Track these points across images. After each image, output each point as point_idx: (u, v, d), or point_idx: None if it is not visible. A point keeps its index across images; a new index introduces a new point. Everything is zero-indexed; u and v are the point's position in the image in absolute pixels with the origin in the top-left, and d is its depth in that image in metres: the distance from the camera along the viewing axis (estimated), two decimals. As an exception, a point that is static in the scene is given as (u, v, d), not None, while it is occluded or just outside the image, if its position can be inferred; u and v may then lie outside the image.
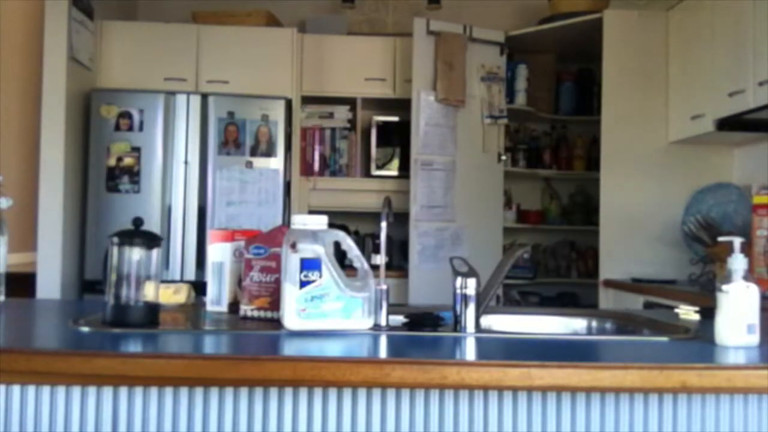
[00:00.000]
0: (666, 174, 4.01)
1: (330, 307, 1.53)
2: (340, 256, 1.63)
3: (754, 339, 1.42)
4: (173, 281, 2.70)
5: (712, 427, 1.39)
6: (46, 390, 1.37)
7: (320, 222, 1.60)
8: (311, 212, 4.39)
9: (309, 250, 1.53)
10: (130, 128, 4.07)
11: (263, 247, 1.73)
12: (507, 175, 4.54)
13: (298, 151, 4.52)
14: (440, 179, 4.23)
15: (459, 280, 1.60)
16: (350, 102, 4.61)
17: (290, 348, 1.45)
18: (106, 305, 1.55)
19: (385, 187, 4.52)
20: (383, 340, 1.50)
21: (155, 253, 1.57)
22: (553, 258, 4.96)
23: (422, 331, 1.58)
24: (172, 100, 4.12)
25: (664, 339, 1.58)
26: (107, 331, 1.51)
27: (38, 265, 3.87)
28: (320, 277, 1.53)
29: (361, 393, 1.38)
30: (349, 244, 1.61)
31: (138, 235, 1.56)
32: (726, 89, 3.37)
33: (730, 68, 3.39)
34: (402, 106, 4.39)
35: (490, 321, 1.95)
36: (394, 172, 4.59)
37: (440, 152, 4.23)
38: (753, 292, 1.42)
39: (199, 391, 1.38)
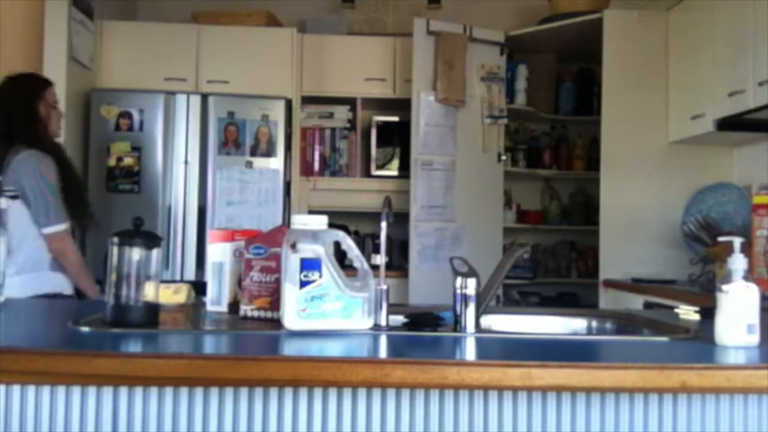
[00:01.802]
0: (666, 174, 4.02)
1: (330, 307, 1.53)
2: (340, 256, 1.63)
3: (754, 339, 1.42)
4: (173, 281, 2.70)
5: (712, 427, 1.39)
6: (46, 390, 1.37)
7: (320, 222, 1.60)
8: (311, 212, 4.39)
9: (309, 250, 1.53)
10: (130, 128, 4.07)
11: (263, 247, 1.73)
12: (507, 175, 4.55)
13: (298, 151, 4.52)
14: (440, 179, 4.23)
15: (459, 280, 1.60)
16: (350, 102, 4.61)
17: (290, 348, 1.45)
18: (106, 305, 1.55)
19: (385, 187, 4.52)
20: (383, 340, 1.50)
21: (155, 253, 1.56)
22: (553, 258, 4.96)
23: (422, 331, 1.58)
24: (172, 100, 4.12)
25: (664, 339, 1.58)
26: (107, 331, 1.51)
27: (38, 265, 3.86)
28: (320, 277, 1.53)
29: (361, 393, 1.38)
30: (349, 244, 1.61)
31: (138, 235, 1.56)
32: (726, 89, 3.37)
33: (730, 68, 3.39)
34: (402, 106, 4.39)
35: (490, 321, 1.95)
36: (394, 172, 4.59)
37: (440, 152, 4.23)
38: (753, 292, 1.42)
39: (199, 391, 1.38)
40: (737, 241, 1.47)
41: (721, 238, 1.68)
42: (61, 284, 2.75)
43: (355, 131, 4.63)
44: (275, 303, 1.64)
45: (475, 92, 4.34)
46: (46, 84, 2.95)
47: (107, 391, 1.37)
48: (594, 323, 2.06)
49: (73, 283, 2.81)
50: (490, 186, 4.44)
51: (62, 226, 2.73)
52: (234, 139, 4.14)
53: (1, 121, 2.82)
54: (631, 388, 1.31)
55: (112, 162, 4.04)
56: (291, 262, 1.52)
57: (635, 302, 3.53)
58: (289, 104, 4.28)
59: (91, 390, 1.37)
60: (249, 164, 4.14)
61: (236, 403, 1.38)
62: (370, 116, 4.66)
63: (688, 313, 1.96)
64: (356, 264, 1.60)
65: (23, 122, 2.82)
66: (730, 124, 3.44)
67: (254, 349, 1.43)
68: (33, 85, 2.93)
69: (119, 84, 4.27)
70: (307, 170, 4.58)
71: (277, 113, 4.20)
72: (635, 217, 4.00)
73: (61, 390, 1.37)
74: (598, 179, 4.10)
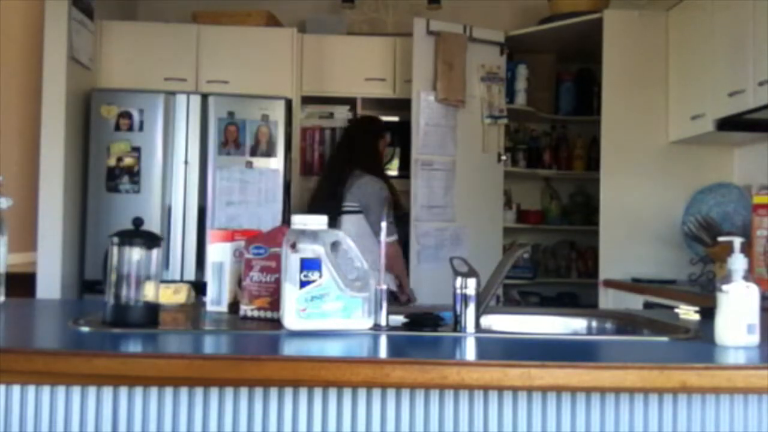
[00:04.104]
0: (666, 174, 4.01)
1: (330, 307, 1.53)
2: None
3: (754, 339, 1.42)
4: (173, 281, 2.70)
5: (712, 427, 1.39)
6: (46, 390, 1.37)
7: (320, 222, 1.60)
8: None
9: (309, 250, 1.53)
10: (130, 128, 4.07)
11: (263, 247, 1.73)
12: (507, 175, 4.54)
13: (298, 151, 4.52)
14: (440, 179, 4.23)
15: (459, 280, 1.60)
16: (350, 102, 4.60)
17: (290, 348, 1.45)
18: (106, 305, 1.55)
19: (385, 187, 4.51)
20: (383, 340, 1.50)
21: (155, 253, 1.57)
22: (553, 258, 4.96)
23: (422, 331, 1.58)
24: (172, 100, 4.11)
25: (664, 339, 1.58)
26: (107, 331, 1.51)
27: (38, 265, 3.87)
28: (320, 277, 1.53)
29: (361, 393, 1.38)
30: (349, 244, 1.61)
31: (138, 235, 1.56)
32: (726, 89, 3.37)
33: (730, 68, 3.39)
34: (402, 106, 4.39)
35: (490, 321, 1.95)
36: (394, 172, 4.58)
37: (440, 152, 4.23)
38: (753, 292, 1.42)
39: (199, 391, 1.38)
40: (737, 241, 1.47)
41: (721, 238, 1.68)
42: (391, 284, 3.58)
43: (356, 131, 4.63)
44: (275, 303, 1.64)
45: (475, 92, 4.34)
46: (385, 127, 3.98)
47: (107, 391, 1.37)
48: (594, 323, 2.06)
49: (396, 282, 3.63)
50: (490, 186, 4.43)
51: (395, 237, 3.56)
52: (234, 139, 4.13)
53: (347, 150, 3.77)
54: (631, 388, 1.31)
55: (112, 162, 4.04)
56: (291, 262, 1.52)
57: (635, 302, 3.53)
58: (289, 104, 4.28)
59: (91, 390, 1.37)
60: (249, 164, 4.14)
61: (236, 403, 1.38)
62: (370, 116, 4.65)
63: (688, 313, 1.96)
64: (356, 264, 1.61)
65: (366, 154, 3.73)
66: (730, 124, 3.44)
67: (254, 349, 1.43)
68: (377, 127, 3.93)
69: (119, 84, 4.26)
70: (307, 170, 4.57)
71: (277, 113, 4.19)
72: (635, 217, 4.00)
73: (61, 390, 1.37)
74: (598, 179, 4.10)
